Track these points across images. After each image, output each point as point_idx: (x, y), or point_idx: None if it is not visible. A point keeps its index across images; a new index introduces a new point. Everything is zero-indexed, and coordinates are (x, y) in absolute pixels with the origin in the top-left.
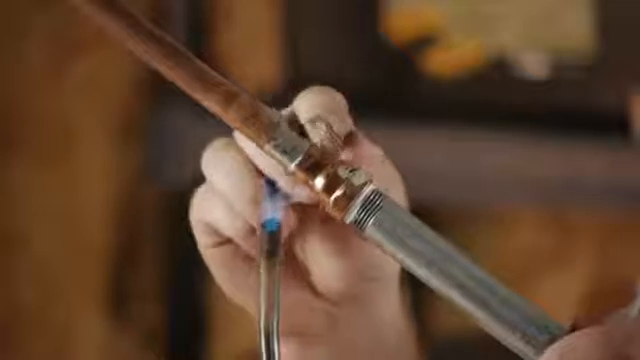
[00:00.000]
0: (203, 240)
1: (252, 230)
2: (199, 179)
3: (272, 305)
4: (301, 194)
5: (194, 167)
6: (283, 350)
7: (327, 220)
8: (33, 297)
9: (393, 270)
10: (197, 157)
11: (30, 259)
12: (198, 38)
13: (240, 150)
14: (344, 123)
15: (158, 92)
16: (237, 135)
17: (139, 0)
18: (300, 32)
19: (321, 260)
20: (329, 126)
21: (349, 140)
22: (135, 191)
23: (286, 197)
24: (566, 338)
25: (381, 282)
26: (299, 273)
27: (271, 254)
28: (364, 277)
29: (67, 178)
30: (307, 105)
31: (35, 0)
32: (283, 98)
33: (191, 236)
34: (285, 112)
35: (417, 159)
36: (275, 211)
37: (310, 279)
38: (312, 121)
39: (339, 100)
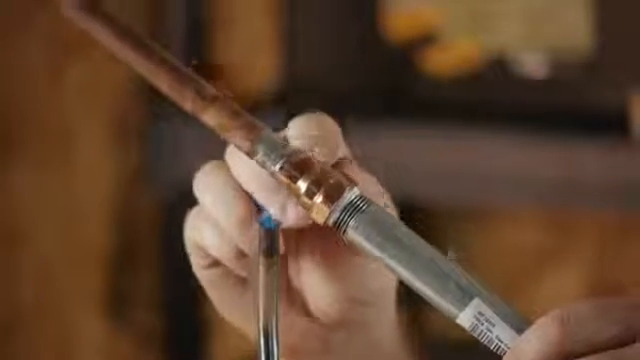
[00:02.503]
0: (196, 261)
1: (240, 253)
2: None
3: (271, 305)
4: (289, 219)
5: (192, 170)
6: None
7: (321, 247)
8: (33, 297)
9: (388, 295)
10: (196, 160)
11: (30, 260)
12: (198, 40)
13: (230, 173)
14: (332, 154)
15: (157, 94)
16: (228, 159)
17: (139, 4)
18: (300, 32)
19: (315, 285)
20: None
21: (339, 168)
22: (134, 193)
23: (276, 223)
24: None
25: (375, 307)
26: (294, 297)
27: (269, 252)
28: (358, 302)
29: (66, 179)
30: (296, 134)
31: (34, 0)
32: (283, 100)
33: None
34: (279, 135)
35: (417, 159)
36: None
37: (304, 303)
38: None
39: (330, 129)
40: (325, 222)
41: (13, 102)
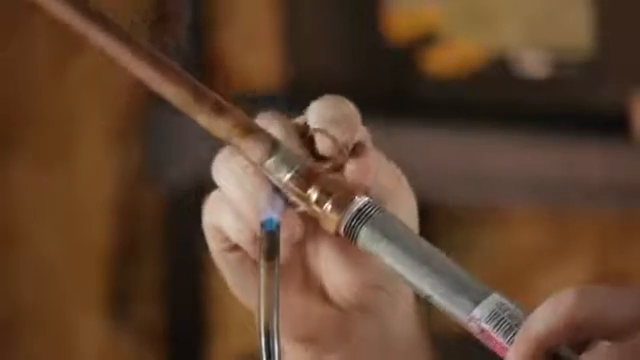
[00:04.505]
0: (213, 245)
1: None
2: (199, 179)
3: (272, 305)
4: None
5: (194, 167)
6: (302, 355)
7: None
8: (33, 297)
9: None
10: (197, 158)
11: (30, 258)
12: (199, 37)
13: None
14: (351, 134)
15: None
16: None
17: (139, 2)
18: (300, 31)
19: (333, 270)
20: (334, 138)
21: (356, 151)
22: (135, 191)
23: (292, 205)
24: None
25: (393, 294)
26: (311, 282)
27: (270, 254)
28: (376, 288)
29: (67, 178)
30: (316, 115)
31: None
32: (283, 97)
33: (191, 237)
34: (299, 119)
35: (417, 159)
36: (274, 211)
37: (322, 288)
38: (319, 131)
39: (349, 111)
40: (336, 230)
41: (15, 99)
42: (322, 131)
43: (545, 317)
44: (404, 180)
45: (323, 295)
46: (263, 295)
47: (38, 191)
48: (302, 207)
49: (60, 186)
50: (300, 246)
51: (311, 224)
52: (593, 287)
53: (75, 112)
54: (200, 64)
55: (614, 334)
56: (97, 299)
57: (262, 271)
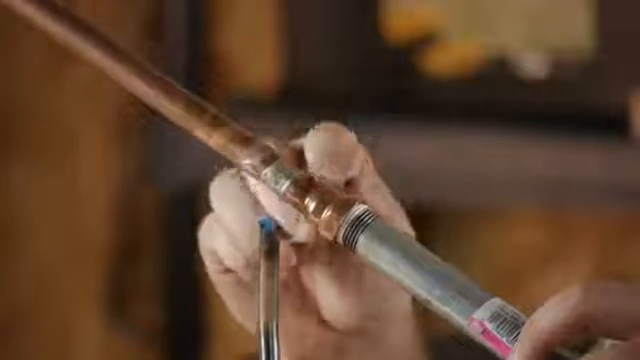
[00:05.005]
0: (209, 266)
1: (251, 263)
2: (198, 180)
3: (271, 305)
4: (301, 234)
5: (194, 168)
6: None
7: (336, 261)
8: (32, 296)
9: (404, 306)
10: (196, 158)
11: (29, 259)
12: (198, 38)
13: (245, 183)
14: (343, 173)
15: None
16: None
17: (140, 1)
18: (300, 32)
19: (328, 298)
20: (326, 180)
21: (348, 189)
22: (134, 191)
23: (286, 236)
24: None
25: (391, 317)
26: (308, 305)
27: (270, 254)
28: (372, 314)
29: (66, 178)
30: (310, 149)
31: None
32: (283, 101)
33: (190, 237)
34: (295, 143)
35: (417, 159)
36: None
37: (319, 310)
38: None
39: (345, 145)
40: (334, 239)
41: (15, 99)
42: (313, 172)
43: (550, 314)
44: (400, 209)
45: (319, 317)
46: (262, 296)
47: (38, 191)
48: (295, 239)
49: (60, 187)
50: (296, 270)
51: (305, 253)
52: (599, 284)
53: (75, 112)
54: (200, 64)
55: (619, 332)
56: (96, 299)
57: (262, 271)
